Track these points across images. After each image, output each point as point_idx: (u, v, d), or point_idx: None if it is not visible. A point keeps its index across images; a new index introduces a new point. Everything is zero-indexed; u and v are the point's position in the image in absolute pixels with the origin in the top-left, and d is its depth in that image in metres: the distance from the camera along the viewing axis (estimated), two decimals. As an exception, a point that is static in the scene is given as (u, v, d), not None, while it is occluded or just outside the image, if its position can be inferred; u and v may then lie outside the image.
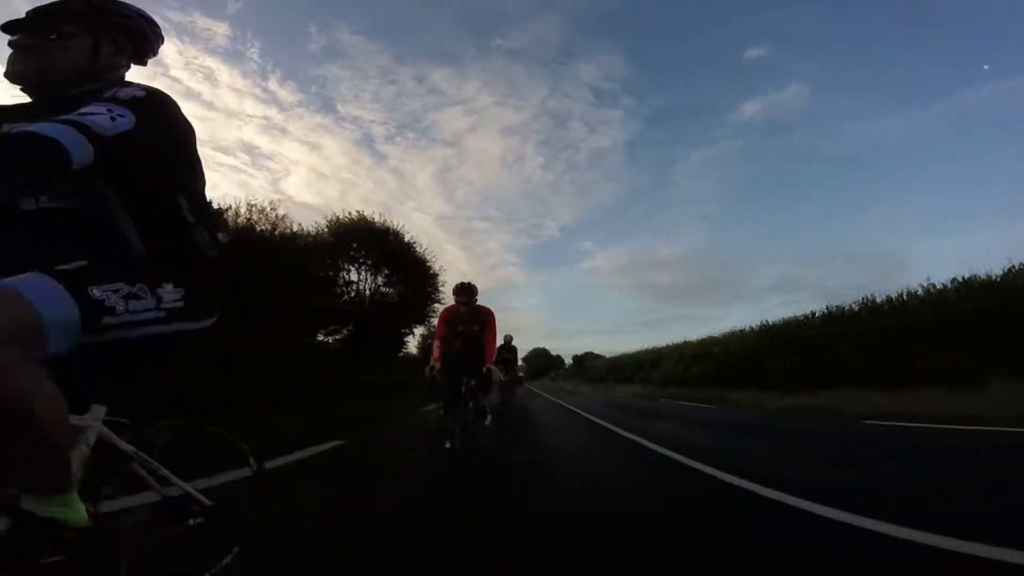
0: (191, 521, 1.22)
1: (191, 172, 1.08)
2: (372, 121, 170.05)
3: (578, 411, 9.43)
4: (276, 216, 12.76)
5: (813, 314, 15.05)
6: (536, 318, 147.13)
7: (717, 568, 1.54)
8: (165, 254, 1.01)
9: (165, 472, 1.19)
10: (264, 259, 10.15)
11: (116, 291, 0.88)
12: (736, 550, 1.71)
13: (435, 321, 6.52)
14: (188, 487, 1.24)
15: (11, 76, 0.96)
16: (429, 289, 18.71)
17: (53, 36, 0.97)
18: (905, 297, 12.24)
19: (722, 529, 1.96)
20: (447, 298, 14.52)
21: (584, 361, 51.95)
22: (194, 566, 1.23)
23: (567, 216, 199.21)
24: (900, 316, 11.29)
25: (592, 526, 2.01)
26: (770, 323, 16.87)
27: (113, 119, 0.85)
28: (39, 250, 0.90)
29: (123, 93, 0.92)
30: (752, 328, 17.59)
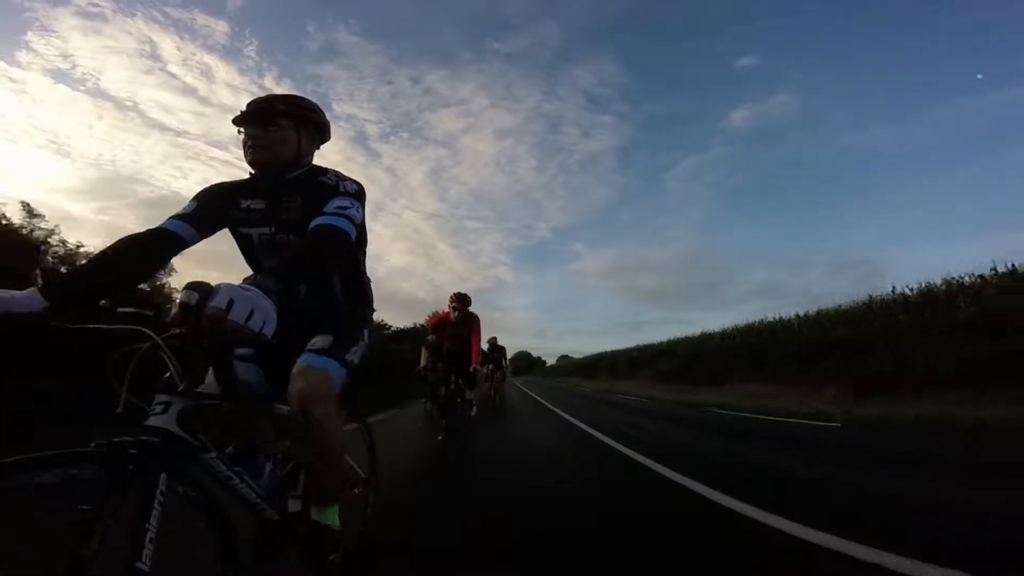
0: (356, 490, 1.65)
1: (366, 235, 1.51)
2: (367, 120, 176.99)
3: (516, 383, 26.55)
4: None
5: (756, 323, 17.99)
6: (526, 317, 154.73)
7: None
8: (350, 294, 1.50)
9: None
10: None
11: (354, 352, 1.38)
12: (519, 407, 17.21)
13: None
14: (352, 462, 1.56)
15: (251, 162, 1.30)
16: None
17: (273, 128, 1.29)
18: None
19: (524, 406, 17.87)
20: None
21: (545, 363, 77.91)
22: (355, 522, 1.61)
23: (558, 218, 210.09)
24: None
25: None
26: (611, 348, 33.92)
27: (357, 210, 1.24)
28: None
29: (348, 187, 1.29)
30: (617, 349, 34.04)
